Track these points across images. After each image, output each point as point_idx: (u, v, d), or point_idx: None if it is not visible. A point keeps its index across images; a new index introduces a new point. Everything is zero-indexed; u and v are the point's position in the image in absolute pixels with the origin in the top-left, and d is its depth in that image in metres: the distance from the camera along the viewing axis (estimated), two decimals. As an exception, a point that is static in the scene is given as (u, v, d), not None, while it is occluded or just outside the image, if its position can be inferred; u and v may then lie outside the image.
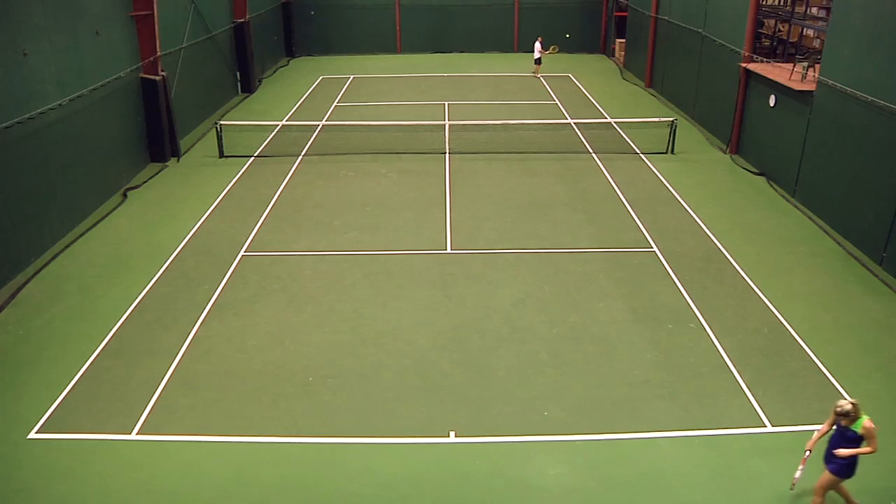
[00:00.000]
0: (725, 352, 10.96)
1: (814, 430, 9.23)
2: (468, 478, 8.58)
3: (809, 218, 16.02)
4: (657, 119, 22.23)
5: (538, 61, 31.28)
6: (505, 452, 8.98)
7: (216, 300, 12.59)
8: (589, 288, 12.95)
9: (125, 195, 17.66)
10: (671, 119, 21.09)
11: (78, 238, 15.16)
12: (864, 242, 14.23)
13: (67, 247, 14.74)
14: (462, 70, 33.30)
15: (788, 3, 20.47)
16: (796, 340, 11.28)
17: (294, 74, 32.96)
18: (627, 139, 21.91)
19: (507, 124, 22.57)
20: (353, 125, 23.11)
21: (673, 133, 20.67)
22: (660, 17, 27.97)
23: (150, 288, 13.03)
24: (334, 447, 9.10)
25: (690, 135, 22.47)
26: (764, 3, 20.06)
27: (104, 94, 17.16)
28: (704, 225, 15.61)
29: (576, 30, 38.15)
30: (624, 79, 31.50)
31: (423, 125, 22.44)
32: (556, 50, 29.75)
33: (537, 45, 31.12)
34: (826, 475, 7.78)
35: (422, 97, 27.76)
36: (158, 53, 19.53)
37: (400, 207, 16.64)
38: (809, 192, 16.48)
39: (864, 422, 7.46)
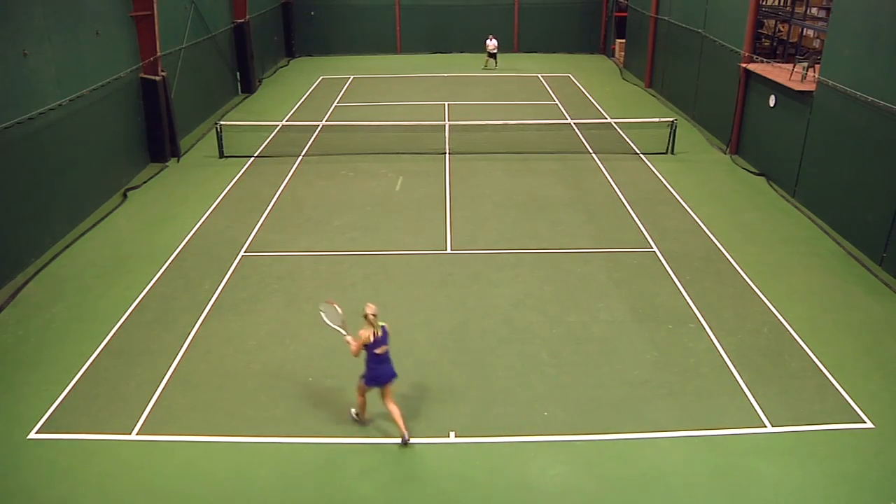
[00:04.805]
0: (725, 352, 10.97)
1: (814, 430, 9.28)
2: (468, 478, 8.58)
3: (809, 218, 16.02)
4: (657, 119, 22.23)
5: (492, 55, 33.11)
6: (505, 452, 8.98)
7: (216, 300, 12.59)
8: (589, 288, 12.95)
9: (125, 195, 17.66)
10: (671, 119, 21.10)
11: (78, 238, 15.16)
12: (864, 243, 14.23)
13: (67, 247, 14.74)
14: (462, 70, 33.30)
15: (788, 3, 20.47)
16: (796, 340, 11.29)
17: (294, 74, 32.96)
18: (627, 139, 21.91)
19: (507, 124, 22.57)
20: (353, 125, 23.11)
21: (673, 133, 20.68)
22: (660, 17, 27.97)
23: (150, 288, 13.03)
24: (334, 447, 9.10)
25: (690, 135, 22.47)
26: (764, 3, 20.06)
27: (104, 94, 17.16)
28: (704, 225, 15.61)
29: (576, 30, 38.16)
30: (624, 79, 31.50)
31: (423, 125, 22.44)
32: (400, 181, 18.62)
33: (493, 42, 32.97)
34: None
35: (422, 97, 27.77)
36: (158, 53, 19.53)
37: (400, 207, 16.64)
38: (809, 193, 16.48)
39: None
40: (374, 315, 8.71)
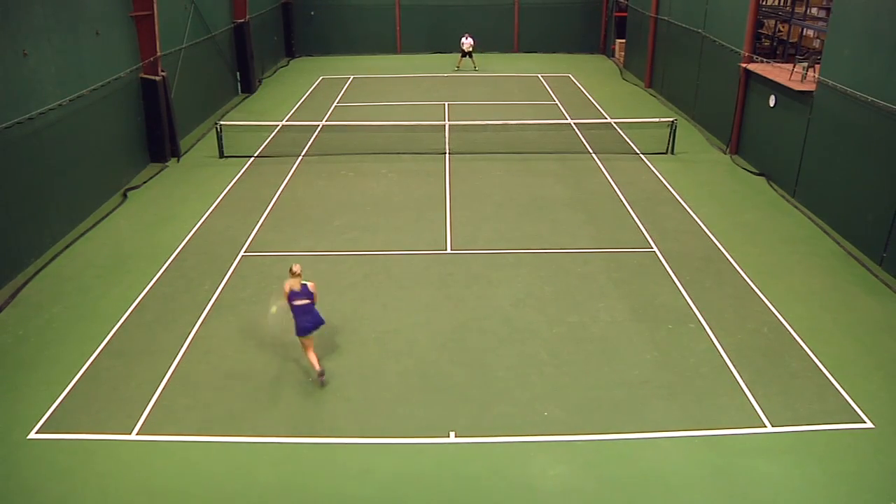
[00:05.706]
0: (725, 352, 10.97)
1: (814, 430, 9.28)
2: (468, 478, 8.58)
3: (809, 218, 16.02)
4: (657, 119, 22.23)
5: (468, 55, 32.84)
6: (505, 452, 8.98)
7: (216, 300, 12.59)
8: (589, 288, 12.95)
9: (125, 195, 17.66)
10: (671, 119, 21.09)
11: (78, 238, 15.16)
12: (864, 243, 14.23)
13: (67, 247, 14.73)
14: (462, 70, 33.27)
15: (788, 3, 20.47)
16: (796, 340, 11.29)
17: (294, 74, 32.95)
18: (627, 139, 21.91)
19: (507, 124, 22.57)
20: (353, 125, 23.11)
21: (673, 133, 20.67)
22: (660, 17, 27.97)
23: (150, 288, 13.02)
24: (334, 447, 9.11)
25: (690, 135, 22.47)
26: (764, 3, 20.06)
27: (104, 94, 17.15)
28: (704, 225, 15.60)
29: (576, 30, 38.16)
30: (624, 79, 31.50)
31: (423, 125, 22.44)
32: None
33: (468, 41, 32.81)
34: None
35: (422, 97, 27.76)
36: (158, 53, 19.53)
37: (400, 207, 16.63)
38: (809, 193, 16.48)
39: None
40: (298, 274, 9.88)
